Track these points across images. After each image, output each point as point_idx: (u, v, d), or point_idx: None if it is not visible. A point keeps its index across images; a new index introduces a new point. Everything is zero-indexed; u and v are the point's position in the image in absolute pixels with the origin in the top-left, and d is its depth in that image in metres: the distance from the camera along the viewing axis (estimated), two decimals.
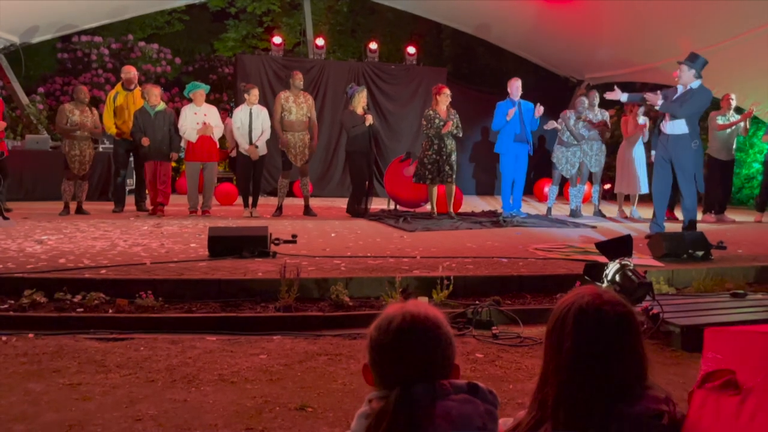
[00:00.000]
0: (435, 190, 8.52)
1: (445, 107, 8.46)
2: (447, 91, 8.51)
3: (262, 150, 8.72)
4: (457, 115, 8.65)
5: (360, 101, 8.81)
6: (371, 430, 1.27)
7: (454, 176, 8.48)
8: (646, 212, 9.87)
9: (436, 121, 8.36)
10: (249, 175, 8.77)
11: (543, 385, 1.37)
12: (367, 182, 9.01)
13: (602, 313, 1.31)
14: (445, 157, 8.39)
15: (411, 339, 1.31)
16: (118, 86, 9.01)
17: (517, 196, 9.35)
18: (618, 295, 1.38)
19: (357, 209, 8.98)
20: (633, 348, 1.32)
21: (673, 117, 6.67)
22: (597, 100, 9.27)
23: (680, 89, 6.74)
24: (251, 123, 8.59)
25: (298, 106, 8.69)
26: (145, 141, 8.27)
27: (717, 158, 9.24)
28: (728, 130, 9.18)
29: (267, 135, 8.72)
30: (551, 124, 9.18)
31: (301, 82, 8.83)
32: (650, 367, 1.35)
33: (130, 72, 9.07)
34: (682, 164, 6.67)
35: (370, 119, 8.65)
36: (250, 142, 8.59)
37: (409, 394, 1.27)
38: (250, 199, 8.79)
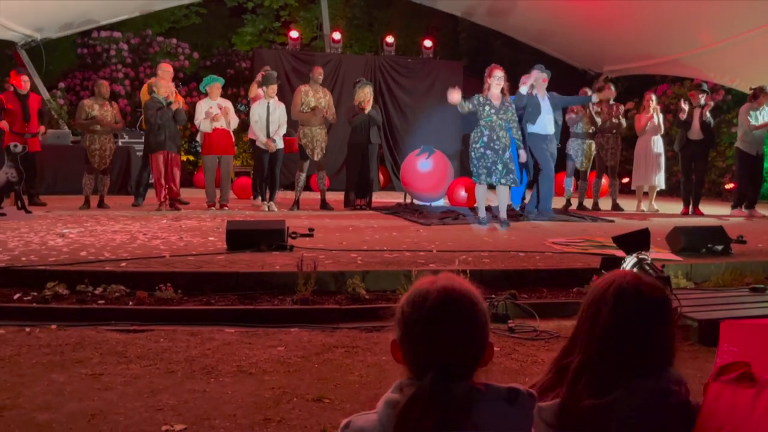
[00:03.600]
0: (483, 190, 7.30)
1: (499, 92, 7.17)
2: (498, 73, 7.17)
3: (279, 144, 8.77)
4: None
5: (360, 96, 8.82)
6: (400, 420, 1.18)
7: (510, 177, 7.15)
8: (665, 207, 9.78)
9: (486, 108, 7.11)
10: (266, 168, 8.83)
11: (568, 354, 1.42)
12: (366, 175, 9.02)
13: (641, 294, 1.36)
14: (499, 153, 7.09)
15: (448, 318, 1.22)
16: (152, 80, 9.08)
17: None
18: (656, 281, 1.43)
19: (348, 200, 9.07)
20: (663, 332, 1.37)
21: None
22: (612, 95, 9.21)
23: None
24: (268, 117, 8.64)
25: (316, 101, 8.75)
26: (177, 102, 8.29)
27: (747, 152, 8.86)
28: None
29: (284, 129, 8.79)
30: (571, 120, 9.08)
31: (321, 77, 8.93)
32: (677, 354, 1.39)
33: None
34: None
35: (365, 103, 8.70)
36: (268, 136, 8.64)
37: (446, 389, 1.18)
38: (268, 193, 8.85)
